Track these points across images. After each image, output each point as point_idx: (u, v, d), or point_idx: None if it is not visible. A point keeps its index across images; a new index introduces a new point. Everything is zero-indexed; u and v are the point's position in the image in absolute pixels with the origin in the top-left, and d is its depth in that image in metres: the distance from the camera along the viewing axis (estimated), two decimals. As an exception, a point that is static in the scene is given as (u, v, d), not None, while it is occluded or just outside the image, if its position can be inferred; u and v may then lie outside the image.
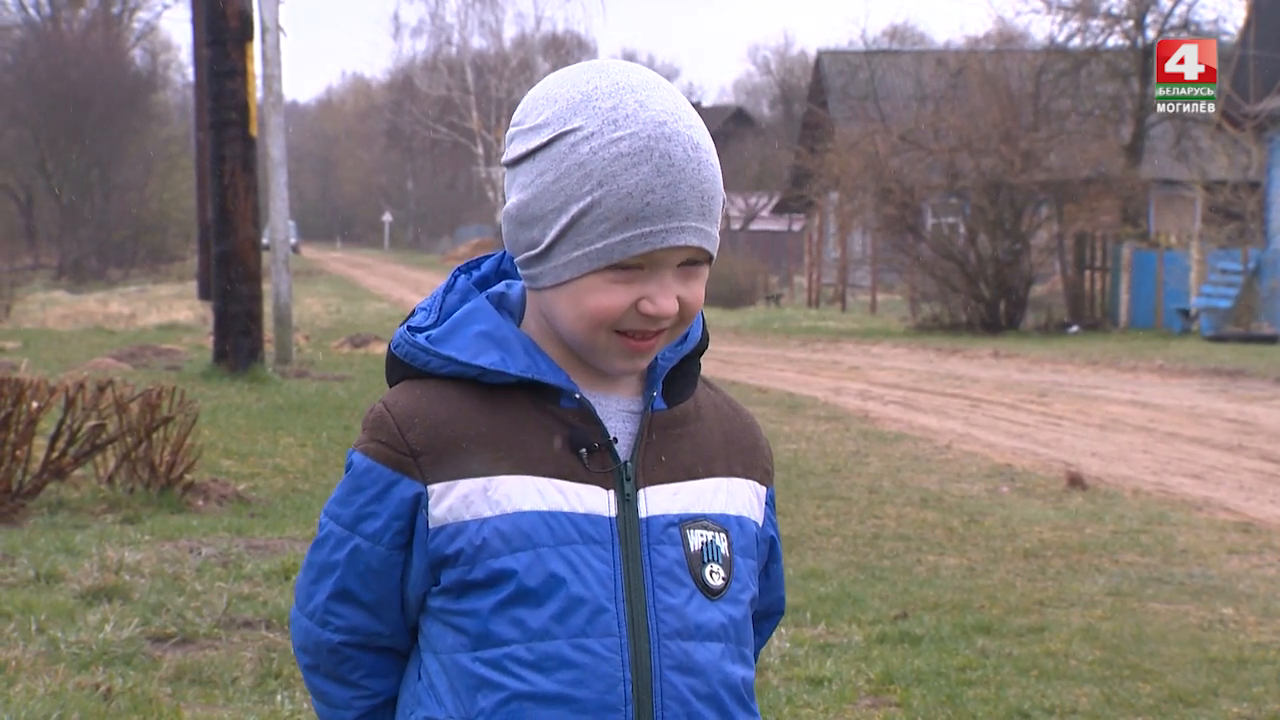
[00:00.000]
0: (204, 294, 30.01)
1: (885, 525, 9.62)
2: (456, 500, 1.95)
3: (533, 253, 1.96)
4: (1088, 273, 32.06)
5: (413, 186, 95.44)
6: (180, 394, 9.51)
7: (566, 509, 1.95)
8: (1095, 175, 31.49)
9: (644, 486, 1.99)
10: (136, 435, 9.20)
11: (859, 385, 19.55)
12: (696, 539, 1.99)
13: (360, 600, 2.03)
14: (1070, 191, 31.01)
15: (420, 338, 2.01)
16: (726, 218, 58.56)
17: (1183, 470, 12.14)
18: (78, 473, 9.35)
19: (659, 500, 1.99)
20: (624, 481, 1.98)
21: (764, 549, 2.12)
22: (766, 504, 2.12)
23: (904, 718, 5.68)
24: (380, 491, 1.98)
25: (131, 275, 52.53)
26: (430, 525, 1.97)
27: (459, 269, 2.13)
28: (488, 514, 1.94)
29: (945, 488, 11.16)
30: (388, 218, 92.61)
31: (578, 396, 1.97)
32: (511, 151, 1.98)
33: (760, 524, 2.10)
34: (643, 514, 1.98)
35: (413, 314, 2.07)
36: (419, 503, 1.97)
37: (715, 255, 1.98)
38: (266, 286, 18.00)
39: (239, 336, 16.43)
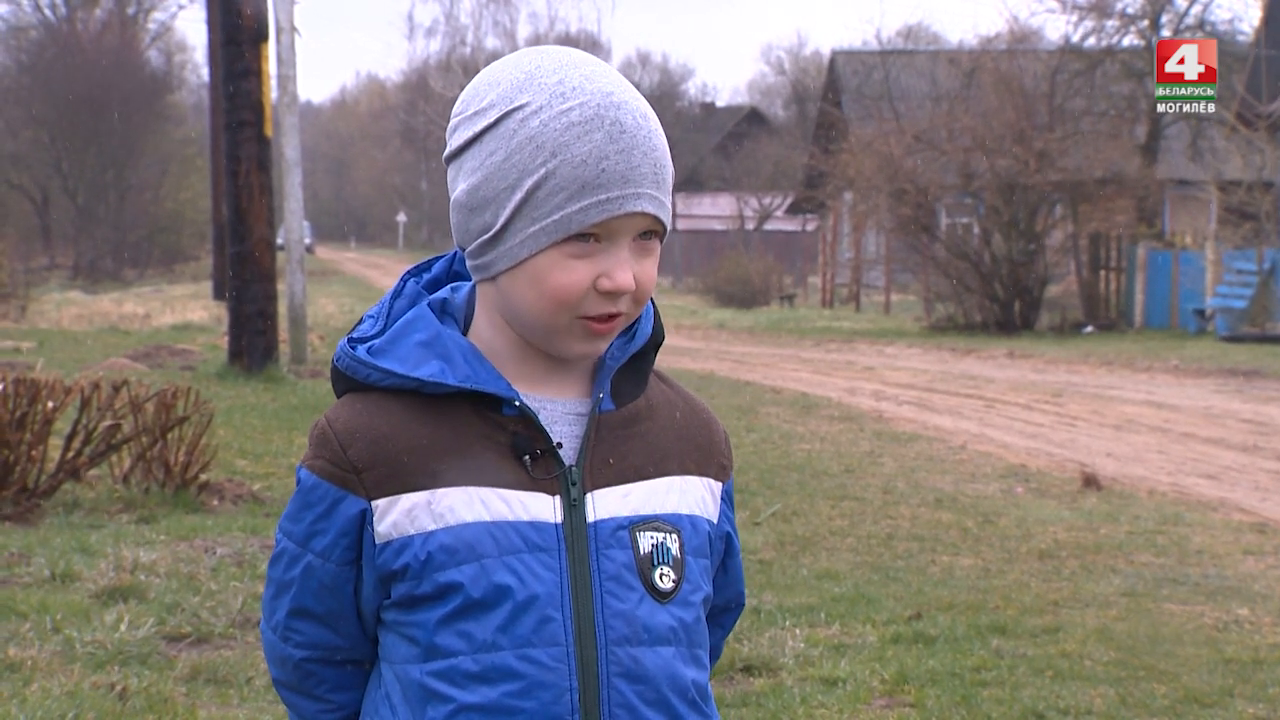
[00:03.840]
0: (219, 294, 30.11)
1: (899, 525, 9.61)
2: (400, 515, 1.93)
3: (486, 237, 1.92)
4: (1102, 273, 32.00)
5: (427, 187, 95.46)
6: (195, 394, 9.54)
7: (511, 518, 1.92)
8: (1110, 175, 31.45)
9: (592, 490, 1.95)
10: (152, 435, 9.22)
11: (873, 385, 19.53)
12: (646, 541, 1.96)
13: (317, 616, 2.02)
14: (1085, 192, 30.98)
15: (361, 350, 1.98)
16: (740, 218, 58.60)
17: (1198, 471, 12.12)
18: (93, 472, 9.38)
19: (608, 503, 1.96)
20: (569, 486, 1.95)
21: (720, 545, 2.08)
22: (723, 499, 2.08)
23: (918, 718, 5.68)
24: (327, 509, 1.97)
25: (146, 275, 52.68)
26: (376, 541, 1.94)
27: (408, 273, 2.09)
28: (432, 527, 1.92)
29: (960, 488, 11.15)
30: (402, 218, 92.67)
31: (517, 404, 1.94)
32: (455, 140, 1.95)
33: (715, 521, 2.06)
34: (591, 518, 1.94)
35: (360, 322, 2.03)
36: (364, 519, 1.95)
37: (668, 230, 1.95)
38: (281, 287, 18.04)
39: (254, 336, 16.47)
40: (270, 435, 12.49)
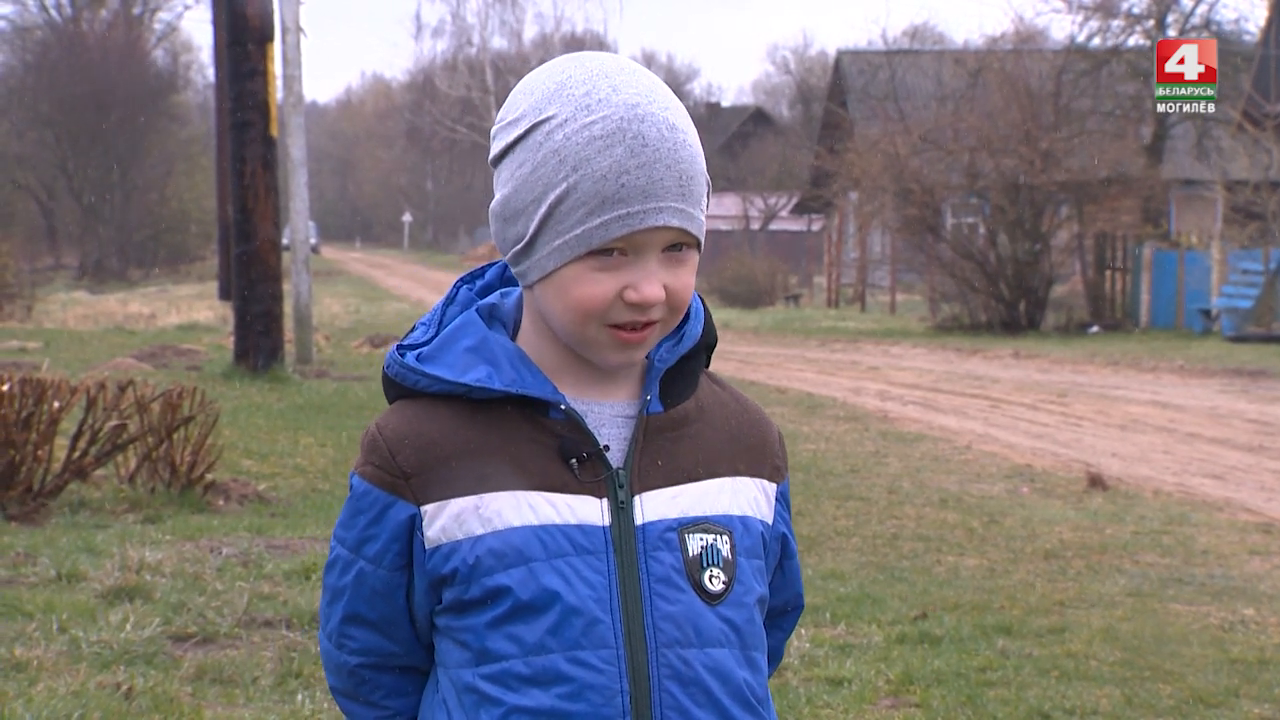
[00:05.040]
0: (224, 294, 30.10)
1: (905, 526, 9.60)
2: (449, 520, 1.94)
3: (519, 247, 1.94)
4: (1108, 273, 31.98)
5: (432, 187, 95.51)
6: (201, 394, 9.54)
7: (559, 521, 1.92)
8: (1116, 175, 31.42)
9: (640, 492, 1.95)
10: (157, 435, 9.22)
11: (878, 385, 19.52)
12: (696, 543, 1.95)
13: (370, 622, 2.03)
14: (1090, 191, 30.95)
15: (410, 356, 1.99)
16: (745, 218, 58.57)
17: (1204, 471, 12.11)
18: (99, 472, 9.38)
19: (656, 505, 1.95)
20: (616, 489, 1.94)
21: (776, 546, 2.07)
22: (777, 500, 2.07)
23: (924, 718, 5.68)
24: (377, 515, 1.98)
25: (152, 275, 52.68)
26: (426, 546, 1.95)
27: (461, 280, 2.10)
28: (480, 532, 1.92)
29: (965, 488, 11.14)
30: (407, 218, 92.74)
31: (563, 407, 1.94)
32: (494, 148, 1.97)
33: (770, 522, 2.05)
34: (639, 520, 1.94)
35: (412, 329, 2.05)
36: (414, 524, 1.96)
37: (703, 239, 1.94)
38: (286, 287, 18.04)
39: (259, 337, 16.47)
40: (276, 435, 12.49)
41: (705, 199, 1.94)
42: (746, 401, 2.11)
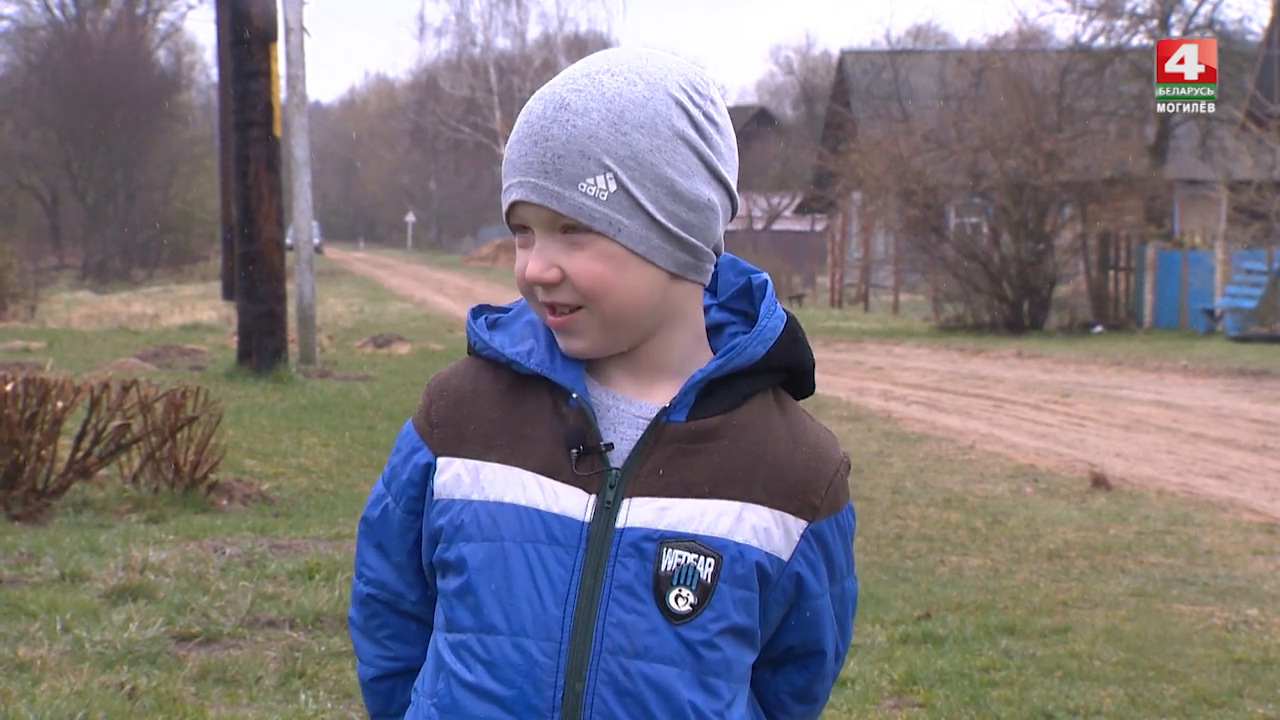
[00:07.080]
0: (228, 294, 30.10)
1: (908, 526, 9.60)
2: (451, 477, 1.96)
3: None
4: (1111, 273, 31.98)
5: (435, 187, 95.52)
6: (204, 394, 9.54)
7: (542, 506, 1.91)
8: (1119, 175, 31.42)
9: (630, 496, 1.91)
10: (161, 435, 9.23)
11: (882, 385, 19.52)
12: (672, 559, 1.90)
13: (388, 556, 2.07)
14: (1094, 191, 30.94)
15: (481, 320, 2.02)
16: (748, 218, 58.58)
17: (1207, 471, 12.10)
18: (102, 472, 9.39)
19: (643, 513, 1.91)
20: (607, 488, 1.92)
21: (788, 584, 1.98)
22: (802, 538, 1.97)
23: (927, 718, 5.68)
24: (407, 454, 2.02)
25: (155, 275, 52.67)
26: (432, 496, 1.99)
27: None
28: (473, 497, 1.94)
29: (968, 488, 11.14)
30: (411, 218, 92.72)
31: (575, 396, 1.93)
32: None
33: (785, 558, 1.96)
34: (619, 523, 1.91)
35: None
36: (429, 473, 1.99)
37: (592, 224, 1.86)
38: (290, 287, 18.04)
39: (263, 337, 16.47)
40: (279, 435, 12.49)
41: (596, 182, 1.87)
42: (806, 434, 2.01)
